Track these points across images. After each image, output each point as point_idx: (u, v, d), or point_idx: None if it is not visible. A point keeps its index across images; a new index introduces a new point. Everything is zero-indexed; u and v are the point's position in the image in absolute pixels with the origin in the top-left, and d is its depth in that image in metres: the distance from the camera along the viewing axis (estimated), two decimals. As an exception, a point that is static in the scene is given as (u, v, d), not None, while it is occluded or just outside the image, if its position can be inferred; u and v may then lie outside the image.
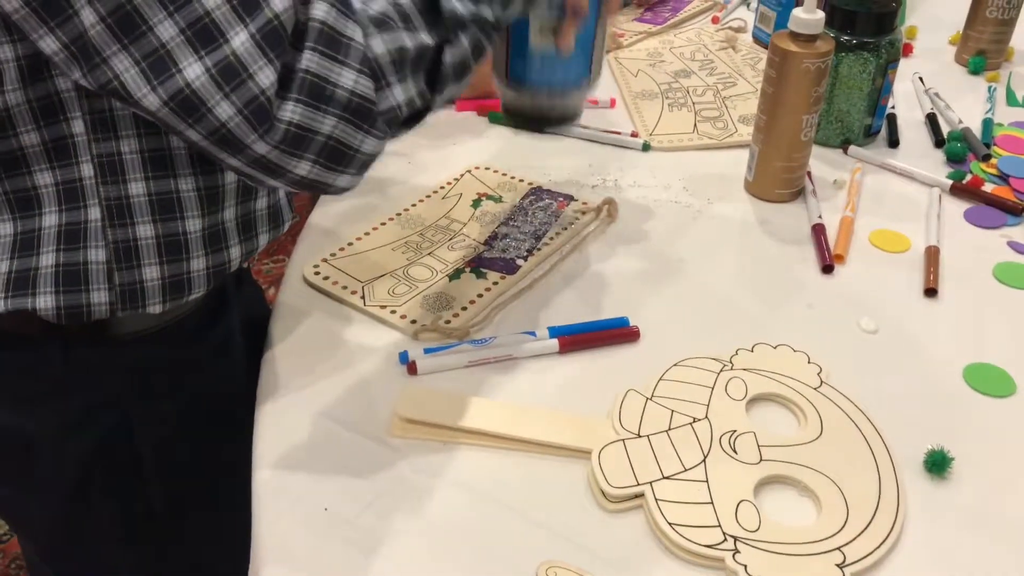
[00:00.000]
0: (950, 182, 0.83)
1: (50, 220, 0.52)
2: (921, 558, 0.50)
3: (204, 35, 0.42)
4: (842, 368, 0.63)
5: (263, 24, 0.44)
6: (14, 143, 0.50)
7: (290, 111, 0.45)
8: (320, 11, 0.46)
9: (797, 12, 0.75)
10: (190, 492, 0.67)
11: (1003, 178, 0.85)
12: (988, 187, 0.84)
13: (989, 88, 1.00)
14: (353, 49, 0.46)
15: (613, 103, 0.97)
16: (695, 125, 0.92)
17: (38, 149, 0.51)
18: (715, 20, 1.16)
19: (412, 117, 0.52)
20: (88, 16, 0.41)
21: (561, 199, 0.80)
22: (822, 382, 0.62)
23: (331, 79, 0.46)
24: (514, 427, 0.57)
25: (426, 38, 0.50)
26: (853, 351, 0.65)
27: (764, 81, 0.78)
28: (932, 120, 0.94)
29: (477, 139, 0.91)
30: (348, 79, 0.46)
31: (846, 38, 0.85)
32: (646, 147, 0.89)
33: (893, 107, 0.96)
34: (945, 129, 0.92)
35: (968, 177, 0.85)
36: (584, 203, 0.80)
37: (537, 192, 0.81)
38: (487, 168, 0.85)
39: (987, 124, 0.92)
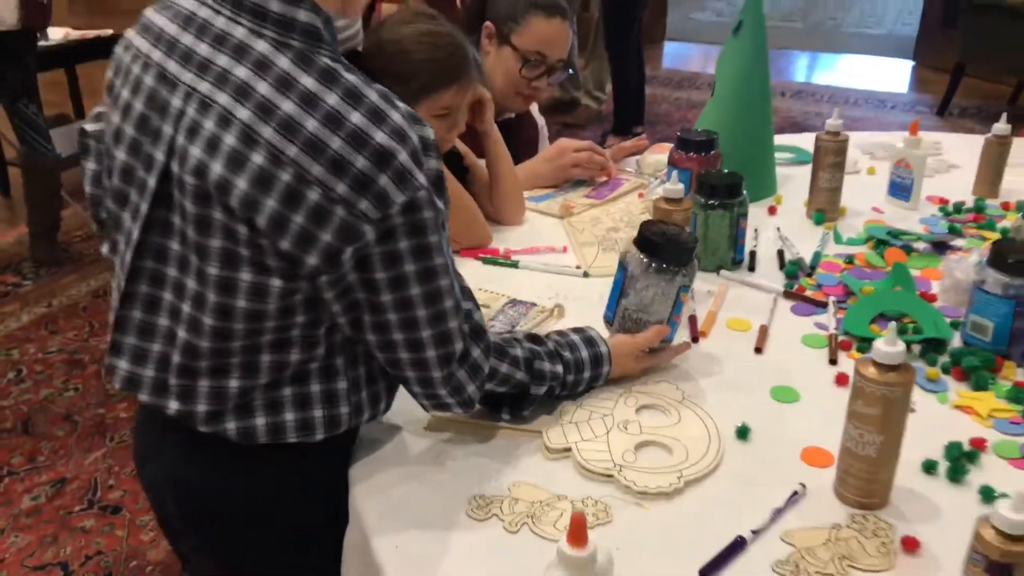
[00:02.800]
0: (782, 290, 1.27)
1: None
2: (729, 482, 0.91)
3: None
4: (698, 390, 1.04)
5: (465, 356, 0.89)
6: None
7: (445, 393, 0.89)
8: (477, 353, 0.90)
9: (668, 186, 1.22)
10: None
11: (819, 286, 1.29)
12: (809, 292, 1.28)
13: (824, 233, 1.46)
14: (481, 377, 0.91)
15: (565, 249, 1.43)
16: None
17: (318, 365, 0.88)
18: (640, 195, 1.65)
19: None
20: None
21: (528, 305, 1.24)
22: (684, 397, 1.03)
23: (465, 386, 0.90)
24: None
25: (514, 390, 0.97)
26: (706, 381, 1.07)
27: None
28: (780, 254, 1.39)
29: (472, 279, 1.36)
30: (471, 389, 0.90)
31: (712, 201, 1.31)
32: (586, 275, 1.34)
33: (755, 246, 1.41)
34: (788, 258, 1.38)
35: (796, 287, 1.29)
36: (543, 308, 1.23)
37: (512, 302, 1.25)
38: (478, 288, 1.29)
39: (816, 255, 1.38)
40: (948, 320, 1.17)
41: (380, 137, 0.75)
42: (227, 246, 0.77)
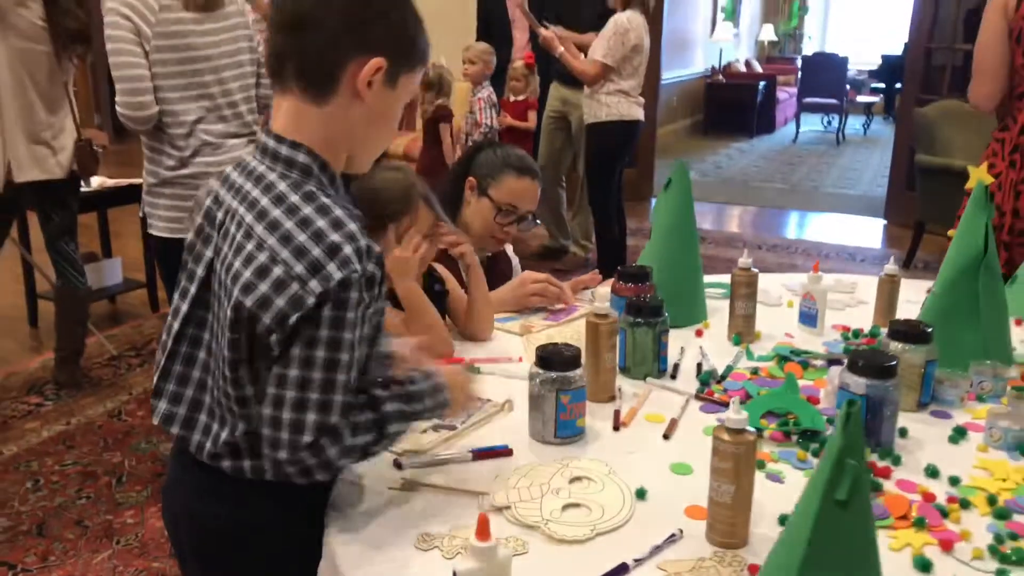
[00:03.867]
0: (695, 393, 1.54)
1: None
2: (629, 529, 1.15)
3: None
4: (623, 466, 1.30)
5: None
6: None
7: (332, 452, 1.05)
8: (340, 422, 1.05)
9: (596, 304, 1.51)
10: None
11: (725, 391, 1.56)
12: (717, 396, 1.54)
13: (739, 352, 1.74)
14: (340, 444, 1.05)
15: (520, 360, 1.71)
16: (564, 370, 1.65)
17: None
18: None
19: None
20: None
21: (483, 401, 1.51)
22: (610, 471, 1.29)
23: (327, 450, 1.04)
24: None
25: (371, 438, 1.10)
26: (624, 459, 1.32)
27: (585, 338, 1.53)
28: (699, 366, 1.67)
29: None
30: (332, 452, 1.05)
31: (638, 320, 1.60)
32: (535, 380, 1.61)
33: (680, 360, 1.69)
34: (704, 369, 1.65)
35: (706, 391, 1.56)
36: (495, 403, 1.50)
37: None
38: (446, 389, 1.56)
39: (728, 368, 1.66)
40: (824, 417, 1.43)
41: (335, 237, 1.03)
42: (231, 314, 1.07)
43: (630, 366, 1.63)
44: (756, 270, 1.82)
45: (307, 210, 1.05)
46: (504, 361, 1.70)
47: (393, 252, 1.65)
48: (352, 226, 1.05)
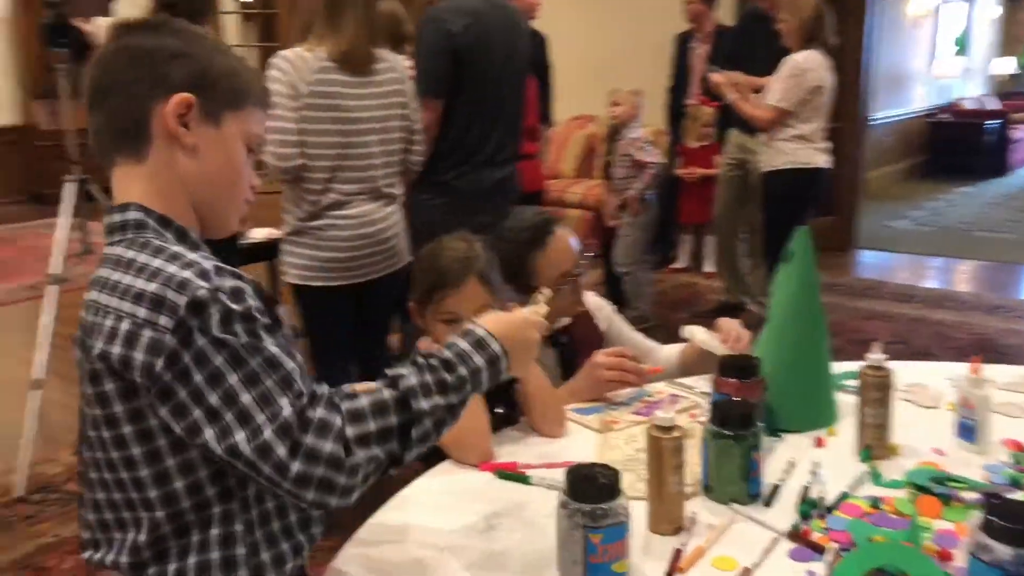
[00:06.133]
0: (787, 530, 1.22)
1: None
2: None
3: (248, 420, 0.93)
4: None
5: (275, 426, 0.91)
6: None
7: (296, 467, 0.92)
8: (315, 411, 0.93)
9: (659, 413, 1.23)
10: None
11: (826, 530, 1.22)
12: (816, 536, 1.21)
13: (864, 472, 1.39)
14: (334, 430, 0.93)
15: (586, 466, 1.44)
16: (633, 484, 1.37)
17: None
18: (692, 416, 1.64)
19: (388, 464, 1.00)
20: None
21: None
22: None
23: (320, 447, 0.92)
24: None
25: (393, 421, 0.99)
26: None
27: (647, 454, 1.25)
28: (804, 491, 1.33)
29: (478, 491, 1.41)
30: (329, 447, 0.93)
31: (722, 431, 1.30)
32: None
33: (784, 480, 1.37)
34: (808, 497, 1.31)
35: (803, 529, 1.23)
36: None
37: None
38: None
39: (842, 496, 1.31)
40: (955, 584, 1.07)
41: (171, 269, 0.97)
42: (99, 389, 1.00)
43: (713, 485, 1.33)
44: (890, 367, 1.45)
45: (142, 258, 1.00)
46: (560, 466, 1.44)
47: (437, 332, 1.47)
48: (193, 256, 0.99)
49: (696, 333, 1.77)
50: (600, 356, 1.72)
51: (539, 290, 1.36)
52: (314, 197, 2.51)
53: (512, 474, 1.42)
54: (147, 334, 0.94)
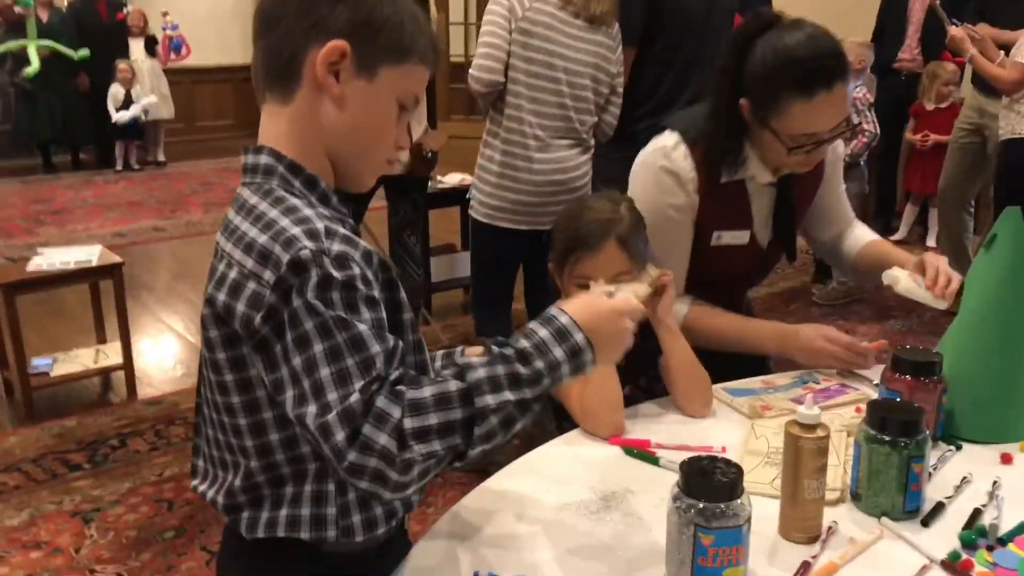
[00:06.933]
0: (943, 558, 1.05)
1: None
2: None
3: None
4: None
5: (341, 409, 0.86)
6: None
7: (351, 454, 0.86)
8: (378, 400, 0.86)
9: (802, 409, 1.09)
10: None
11: (993, 565, 1.04)
12: (977, 570, 1.04)
13: (1056, 500, 1.18)
14: (390, 423, 0.86)
15: (724, 450, 1.33)
16: (773, 479, 1.24)
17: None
18: (858, 409, 1.46)
19: (451, 460, 0.91)
20: None
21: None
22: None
23: (375, 439, 0.85)
24: None
25: (457, 415, 0.89)
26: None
27: (783, 454, 1.11)
28: (974, 513, 1.15)
29: (607, 465, 1.32)
30: (383, 440, 0.85)
31: (879, 435, 1.14)
32: (726, 487, 1.23)
33: (953, 497, 1.19)
34: (980, 522, 1.13)
35: (962, 559, 1.05)
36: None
37: (627, 499, 1.20)
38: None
39: (1019, 527, 1.11)
40: None
41: (285, 223, 0.93)
42: (207, 334, 0.99)
43: (862, 493, 1.17)
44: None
45: (262, 206, 0.97)
46: (697, 451, 1.33)
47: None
48: (308, 212, 0.95)
49: (900, 279, 1.56)
50: (831, 331, 1.58)
51: (648, 268, 1.26)
52: (514, 136, 2.53)
53: (642, 453, 1.33)
54: (251, 286, 0.92)
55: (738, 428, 1.42)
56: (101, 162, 7.96)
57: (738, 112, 1.51)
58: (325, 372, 0.88)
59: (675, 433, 1.40)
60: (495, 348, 0.95)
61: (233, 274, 0.94)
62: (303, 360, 0.89)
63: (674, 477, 1.24)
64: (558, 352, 0.95)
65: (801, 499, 1.10)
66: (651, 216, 1.55)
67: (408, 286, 3.57)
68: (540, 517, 1.18)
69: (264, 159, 1.01)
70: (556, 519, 1.18)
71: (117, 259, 3.39)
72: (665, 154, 1.58)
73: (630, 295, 1.12)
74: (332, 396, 0.88)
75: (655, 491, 1.23)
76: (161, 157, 8.19)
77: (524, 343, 0.95)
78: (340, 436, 0.86)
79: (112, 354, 3.46)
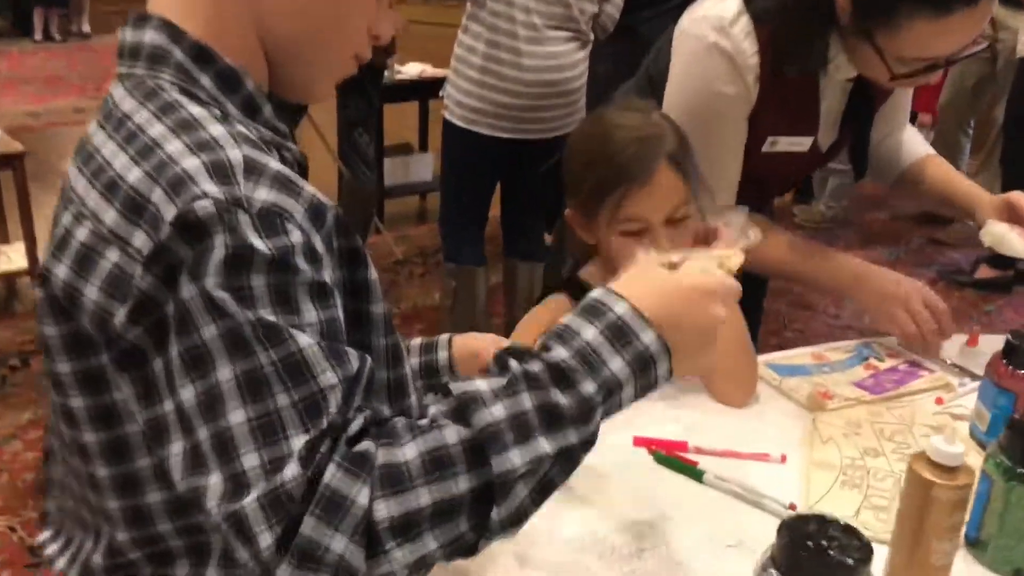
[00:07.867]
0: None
1: None
2: None
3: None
4: None
5: (267, 491, 0.51)
6: None
7: (283, 571, 0.51)
8: (328, 473, 0.51)
9: (938, 445, 0.77)
10: None
11: None
12: None
13: None
14: (351, 515, 0.51)
15: (784, 459, 1.01)
16: (859, 510, 0.93)
17: None
18: (939, 401, 1.16)
19: (453, 557, 0.55)
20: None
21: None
22: None
23: (323, 543, 0.50)
24: None
25: (462, 486, 0.53)
26: None
27: (901, 500, 0.79)
28: None
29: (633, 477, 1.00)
30: (339, 545, 0.51)
31: (1020, 470, 0.83)
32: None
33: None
34: None
35: None
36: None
37: (667, 538, 0.88)
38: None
39: None
40: None
41: (174, 148, 0.58)
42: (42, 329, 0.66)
43: (987, 541, 0.87)
44: None
45: (139, 117, 0.61)
46: (750, 459, 1.01)
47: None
48: (216, 131, 0.59)
49: (1004, 236, 1.23)
50: (931, 294, 1.24)
51: (737, 221, 0.88)
52: (501, 23, 2.12)
53: (678, 463, 1.00)
54: (110, 257, 0.57)
55: (793, 423, 1.10)
56: (17, 30, 7.26)
57: (832, 6, 1.12)
58: (237, 418, 0.52)
59: (713, 428, 1.07)
60: (512, 362, 0.59)
61: (82, 234, 0.57)
62: (199, 393, 0.53)
63: (723, 500, 0.94)
64: (616, 364, 0.60)
65: (927, 565, 0.79)
66: (693, 108, 1.19)
67: (362, 192, 3.20)
68: (549, 560, 0.86)
69: (151, 36, 0.64)
70: (571, 562, 0.86)
71: (18, 147, 2.90)
72: (720, 27, 1.16)
73: (712, 266, 0.74)
74: (249, 462, 0.52)
75: (700, 517, 0.91)
76: (86, 27, 7.52)
77: (561, 351, 0.59)
78: (265, 537, 0.51)
79: (15, 256, 3.02)
